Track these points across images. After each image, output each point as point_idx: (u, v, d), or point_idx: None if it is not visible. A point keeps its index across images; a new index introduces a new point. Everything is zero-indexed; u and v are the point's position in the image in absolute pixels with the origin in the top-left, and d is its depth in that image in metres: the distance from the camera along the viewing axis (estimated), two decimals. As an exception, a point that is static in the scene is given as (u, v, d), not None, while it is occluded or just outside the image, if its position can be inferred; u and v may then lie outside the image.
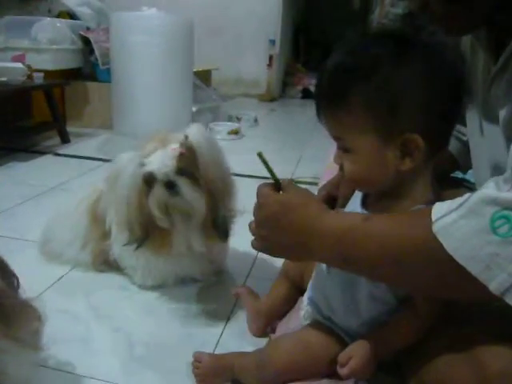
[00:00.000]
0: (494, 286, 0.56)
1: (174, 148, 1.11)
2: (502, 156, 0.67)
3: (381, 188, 0.75)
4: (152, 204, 1.12)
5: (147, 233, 1.16)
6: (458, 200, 0.60)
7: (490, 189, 0.57)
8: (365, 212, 0.78)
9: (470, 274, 0.57)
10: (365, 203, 0.80)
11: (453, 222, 0.58)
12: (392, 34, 0.72)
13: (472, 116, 0.84)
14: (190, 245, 1.19)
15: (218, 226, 1.17)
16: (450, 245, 0.58)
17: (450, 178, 1.12)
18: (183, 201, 1.11)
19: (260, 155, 0.79)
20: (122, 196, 1.16)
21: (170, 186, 1.10)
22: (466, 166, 1.05)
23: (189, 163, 1.12)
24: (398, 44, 0.69)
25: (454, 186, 1.08)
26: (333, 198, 1.01)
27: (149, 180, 1.12)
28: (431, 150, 0.70)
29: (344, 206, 0.89)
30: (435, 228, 0.59)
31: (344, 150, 0.73)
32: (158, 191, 1.11)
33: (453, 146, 1.03)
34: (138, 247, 1.17)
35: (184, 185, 1.10)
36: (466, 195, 0.59)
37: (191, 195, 1.11)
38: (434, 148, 0.71)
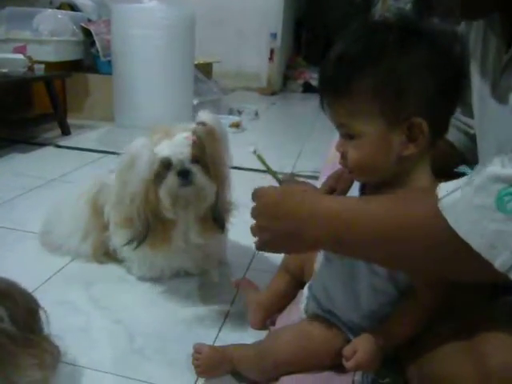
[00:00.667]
0: (499, 263, 0.56)
1: (188, 136, 1.11)
2: (510, 140, 0.68)
3: (382, 176, 0.75)
4: (164, 194, 1.09)
5: (148, 229, 1.15)
6: (464, 178, 0.60)
7: (495, 166, 0.57)
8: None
9: (475, 252, 0.57)
10: (363, 193, 0.81)
11: (459, 199, 0.58)
12: (395, 23, 0.72)
13: (481, 103, 0.84)
14: (188, 238, 1.18)
15: (217, 216, 1.17)
16: (456, 222, 0.58)
17: (453, 173, 1.12)
18: (194, 190, 1.10)
19: (257, 155, 0.81)
20: (132, 187, 1.12)
21: (184, 174, 1.08)
22: (475, 161, 1.05)
23: (200, 151, 1.11)
24: (403, 32, 0.69)
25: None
26: (333, 191, 1.02)
27: (163, 168, 1.10)
28: (433, 137, 0.71)
29: None
30: (441, 205, 0.59)
31: (349, 136, 0.73)
32: (172, 180, 1.09)
33: (460, 139, 1.02)
34: (137, 245, 1.16)
35: (198, 173, 1.10)
36: (471, 174, 0.59)
37: (204, 184, 1.11)
38: (435, 134, 0.72)
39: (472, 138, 1.00)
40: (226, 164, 1.18)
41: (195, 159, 1.10)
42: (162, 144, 1.11)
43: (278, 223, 0.76)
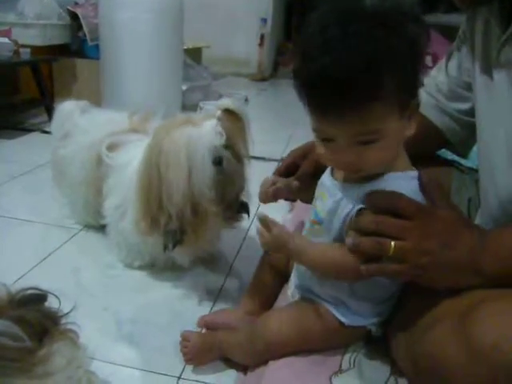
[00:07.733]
0: None
1: (216, 122, 1.06)
2: None
3: None
4: (204, 183, 1.01)
5: (184, 228, 1.06)
6: None
7: None
8: (334, 181, 0.79)
9: None
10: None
11: None
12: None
13: (491, 103, 0.83)
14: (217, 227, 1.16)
15: (244, 202, 1.13)
16: None
17: (435, 157, 1.12)
18: (228, 178, 1.05)
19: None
20: (178, 181, 1.02)
21: (219, 162, 1.02)
22: (457, 142, 1.05)
23: (227, 138, 1.06)
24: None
25: (440, 165, 1.08)
26: (295, 167, 1.03)
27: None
28: None
29: (299, 178, 0.96)
30: None
31: (368, 142, 0.68)
32: (210, 168, 1.02)
33: (444, 121, 1.02)
34: (174, 247, 1.09)
35: (230, 160, 1.05)
36: None
37: (237, 170, 1.07)
38: None
39: (461, 124, 1.00)
40: (248, 150, 1.14)
41: (227, 146, 1.05)
42: (202, 126, 1.05)
43: (449, 251, 0.69)
